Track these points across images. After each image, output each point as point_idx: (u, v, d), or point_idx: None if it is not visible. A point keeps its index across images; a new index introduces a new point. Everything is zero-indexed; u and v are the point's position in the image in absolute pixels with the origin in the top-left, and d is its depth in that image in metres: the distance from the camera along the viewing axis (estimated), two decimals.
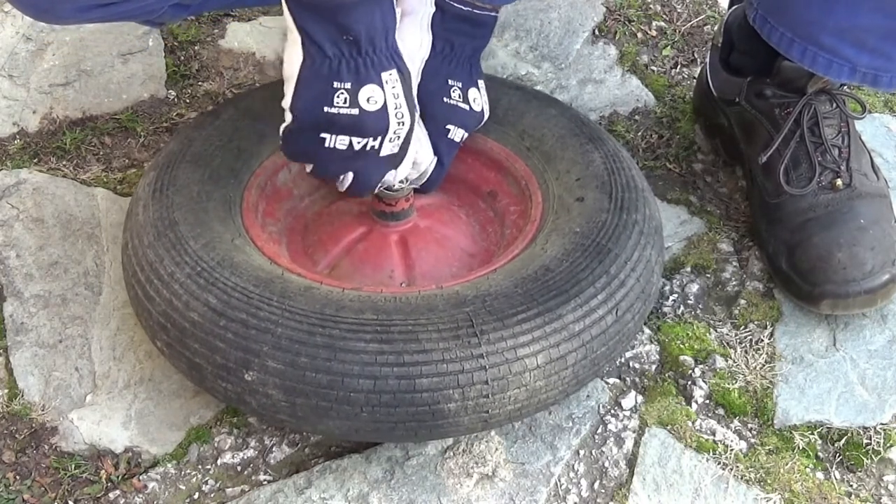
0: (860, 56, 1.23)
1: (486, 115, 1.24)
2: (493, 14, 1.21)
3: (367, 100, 1.03)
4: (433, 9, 1.13)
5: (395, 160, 1.11)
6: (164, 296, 1.07)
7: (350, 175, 1.11)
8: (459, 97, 1.18)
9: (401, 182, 1.18)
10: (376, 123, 1.04)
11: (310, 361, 1.01)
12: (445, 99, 1.18)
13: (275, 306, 1.03)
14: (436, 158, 1.20)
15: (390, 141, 1.06)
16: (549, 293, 1.06)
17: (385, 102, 1.04)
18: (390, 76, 1.04)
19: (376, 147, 1.06)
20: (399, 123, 1.05)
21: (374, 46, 1.02)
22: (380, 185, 1.16)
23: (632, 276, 1.10)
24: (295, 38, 1.01)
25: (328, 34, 1.01)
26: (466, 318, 1.02)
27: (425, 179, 1.22)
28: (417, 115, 1.10)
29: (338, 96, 1.03)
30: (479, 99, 1.22)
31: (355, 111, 1.03)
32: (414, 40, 1.12)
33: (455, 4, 1.17)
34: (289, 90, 1.04)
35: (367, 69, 1.02)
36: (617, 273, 1.09)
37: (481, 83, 1.23)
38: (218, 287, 1.05)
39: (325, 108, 1.03)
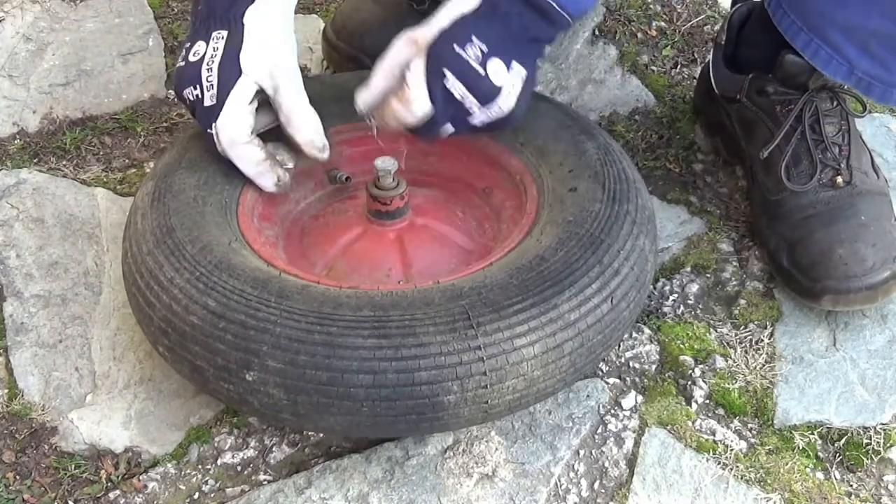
0: (860, 59, 1.23)
1: (506, 103, 1.13)
2: (565, 15, 1.11)
3: (193, 53, 1.16)
4: None
5: (214, 112, 1.15)
6: (164, 301, 1.07)
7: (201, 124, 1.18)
8: (476, 57, 1.10)
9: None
10: (191, 73, 1.15)
11: (309, 359, 1.01)
12: (456, 47, 1.10)
13: (273, 307, 1.03)
14: (427, 91, 1.12)
15: (207, 90, 1.14)
16: (544, 283, 1.06)
17: (203, 55, 1.15)
18: (218, 34, 1.15)
19: (200, 97, 1.15)
20: (208, 70, 1.14)
21: (213, 12, 1.16)
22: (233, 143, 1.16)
23: (626, 264, 1.10)
24: None
25: (191, 5, 1.20)
26: (463, 311, 1.03)
27: (415, 123, 1.14)
28: (243, 77, 1.14)
29: (183, 52, 1.17)
30: (501, 74, 1.11)
31: (183, 63, 1.17)
32: None
33: None
34: None
35: (203, 29, 1.16)
36: (610, 262, 1.09)
37: (519, 70, 1.12)
38: (216, 290, 1.05)
39: (176, 63, 1.19)
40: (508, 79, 1.13)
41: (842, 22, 1.22)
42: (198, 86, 1.14)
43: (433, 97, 1.12)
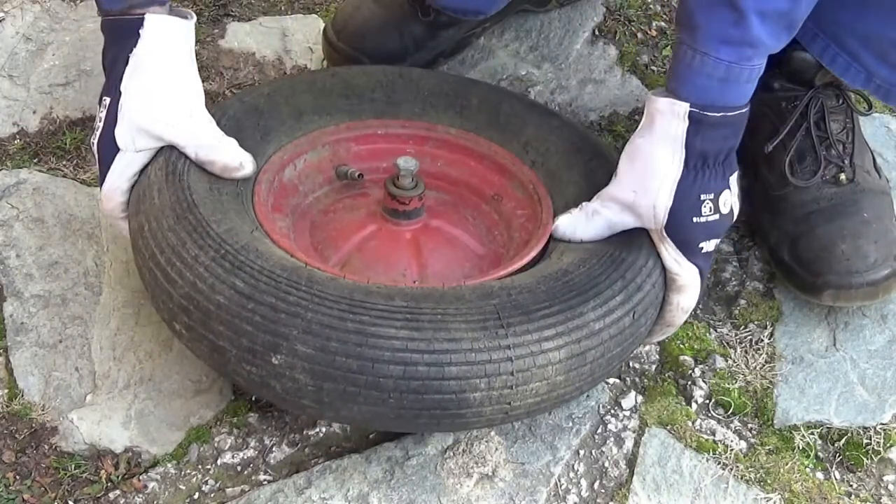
0: (879, 67, 1.24)
1: (737, 213, 1.16)
2: (745, 111, 1.12)
3: (98, 119, 1.17)
4: (686, 124, 1.09)
5: (100, 179, 1.18)
6: (187, 278, 1.06)
7: None
8: (711, 210, 1.12)
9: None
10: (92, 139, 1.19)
11: (340, 346, 1.00)
12: (695, 219, 1.11)
13: (304, 291, 1.03)
14: (697, 270, 1.14)
15: (97, 158, 1.18)
16: (571, 292, 1.06)
17: (93, 127, 1.18)
18: (104, 101, 1.16)
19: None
20: (91, 144, 1.17)
21: (106, 74, 1.17)
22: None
23: (648, 281, 1.11)
24: None
25: None
26: (493, 310, 1.03)
27: (693, 294, 1.15)
28: (120, 154, 1.15)
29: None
30: (729, 200, 1.14)
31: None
32: (664, 159, 1.09)
33: (708, 114, 1.08)
34: None
35: (103, 92, 1.17)
36: (633, 278, 1.10)
37: (733, 178, 1.15)
38: (244, 270, 1.04)
39: None
40: (733, 196, 1.14)
41: (860, 31, 1.23)
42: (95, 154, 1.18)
43: (696, 265, 1.13)
